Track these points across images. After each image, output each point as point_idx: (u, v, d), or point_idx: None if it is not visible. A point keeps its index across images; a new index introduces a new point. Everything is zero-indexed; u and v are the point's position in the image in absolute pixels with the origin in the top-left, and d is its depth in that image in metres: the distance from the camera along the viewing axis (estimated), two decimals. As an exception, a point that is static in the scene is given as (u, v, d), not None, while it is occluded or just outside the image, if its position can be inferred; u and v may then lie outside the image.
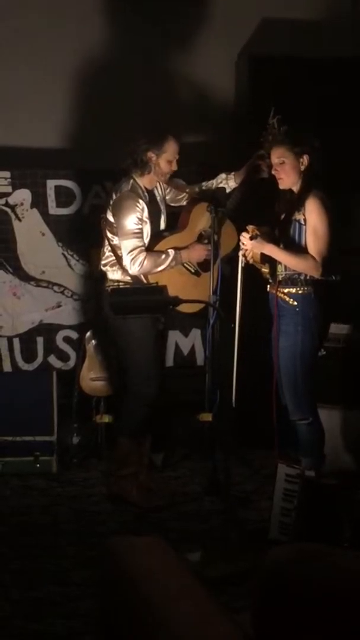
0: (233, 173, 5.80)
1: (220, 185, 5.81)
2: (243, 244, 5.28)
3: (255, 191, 5.75)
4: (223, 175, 5.83)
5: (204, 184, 5.90)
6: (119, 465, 5.66)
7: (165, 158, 5.54)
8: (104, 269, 5.64)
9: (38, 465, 6.20)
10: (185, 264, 5.70)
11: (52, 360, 6.61)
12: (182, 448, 6.48)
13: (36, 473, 6.16)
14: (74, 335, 6.61)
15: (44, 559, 4.73)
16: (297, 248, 5.20)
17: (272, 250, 5.21)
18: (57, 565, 4.66)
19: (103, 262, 5.64)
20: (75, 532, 5.14)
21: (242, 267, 5.39)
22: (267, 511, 4.99)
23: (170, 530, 5.11)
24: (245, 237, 5.26)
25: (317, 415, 5.36)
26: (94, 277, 6.17)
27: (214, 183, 5.85)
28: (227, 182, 5.80)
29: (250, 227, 5.25)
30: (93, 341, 6.44)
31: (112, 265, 5.60)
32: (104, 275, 5.65)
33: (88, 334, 6.46)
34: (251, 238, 5.21)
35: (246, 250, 5.30)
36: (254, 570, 3.36)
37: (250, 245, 5.24)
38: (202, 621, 2.03)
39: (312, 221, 5.15)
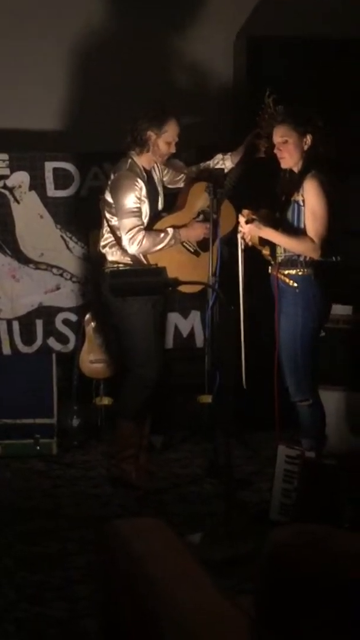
0: (229, 153, 5.78)
1: (218, 166, 5.79)
2: (240, 227, 5.27)
3: (253, 171, 5.74)
4: (220, 156, 5.81)
5: (201, 164, 5.88)
6: (119, 448, 5.66)
7: (165, 139, 5.51)
8: (102, 250, 5.62)
9: (38, 447, 6.20)
10: (184, 244, 5.68)
11: (52, 342, 6.61)
12: (182, 430, 6.48)
13: (36, 455, 6.16)
14: (73, 317, 6.61)
15: (45, 542, 4.74)
16: (296, 229, 5.19)
17: (269, 233, 5.19)
18: (58, 548, 4.66)
19: (102, 244, 5.62)
20: (76, 515, 5.14)
21: (242, 250, 5.38)
22: (267, 493, 5.00)
23: (170, 513, 5.12)
24: (241, 221, 5.25)
25: (318, 396, 5.35)
26: (93, 259, 6.16)
27: (210, 164, 5.83)
28: (224, 162, 5.78)
29: (245, 212, 5.23)
30: (92, 323, 6.44)
31: (111, 247, 5.58)
32: (102, 257, 5.63)
33: (87, 316, 6.46)
34: (247, 222, 5.20)
35: (244, 233, 5.29)
36: (255, 552, 3.36)
37: (247, 229, 5.23)
38: (204, 603, 2.03)
39: (310, 202, 5.13)
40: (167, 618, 2.02)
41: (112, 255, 5.57)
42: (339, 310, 5.93)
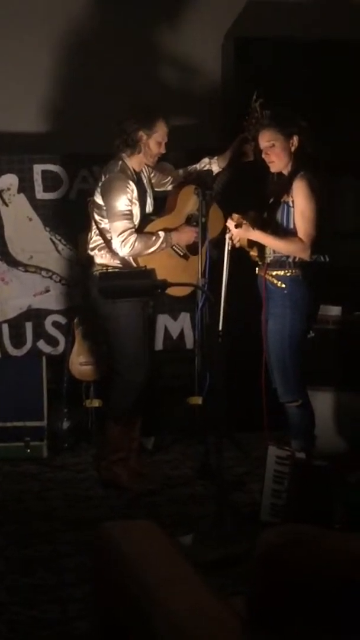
0: (216, 157, 5.79)
1: (205, 169, 5.80)
2: (229, 231, 5.28)
3: (242, 174, 5.75)
4: (206, 160, 5.82)
5: (189, 167, 5.89)
6: (109, 450, 5.65)
7: (155, 139, 5.51)
8: (91, 253, 5.61)
9: (29, 450, 6.20)
10: (173, 247, 5.68)
11: (42, 345, 6.61)
12: (173, 432, 6.48)
13: (27, 458, 6.16)
14: (62, 320, 6.61)
15: (37, 544, 4.73)
16: (285, 230, 5.20)
17: (258, 236, 5.21)
18: (50, 551, 4.66)
19: (91, 246, 5.61)
20: (68, 518, 5.14)
21: (228, 251, 5.39)
22: (258, 493, 5.00)
23: (162, 514, 5.12)
24: (230, 225, 5.26)
25: (307, 397, 5.36)
26: (82, 262, 6.16)
27: (197, 167, 5.84)
28: (211, 165, 5.79)
29: (235, 216, 5.24)
30: (82, 326, 6.44)
31: (100, 249, 5.57)
32: (91, 259, 5.63)
33: (77, 318, 6.46)
34: (236, 226, 5.21)
35: (233, 235, 5.30)
36: (246, 553, 3.36)
37: (237, 233, 5.24)
38: (196, 605, 2.04)
39: (300, 203, 5.15)
40: (159, 620, 2.02)
41: (101, 258, 5.56)
42: (327, 310, 5.94)
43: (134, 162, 5.56)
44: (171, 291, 5.41)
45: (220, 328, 5.20)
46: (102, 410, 6.30)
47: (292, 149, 5.21)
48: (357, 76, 6.69)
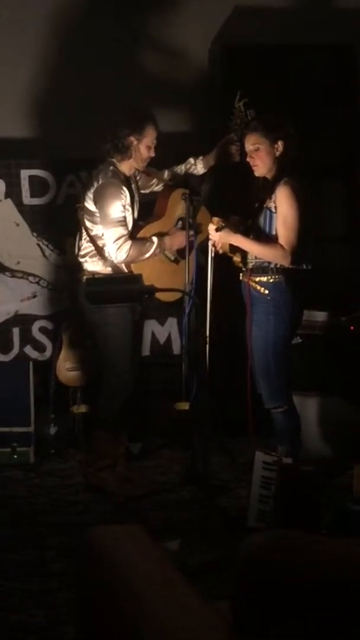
0: (201, 157, 5.79)
1: (190, 170, 5.80)
2: (210, 234, 5.29)
3: (229, 177, 5.75)
4: (191, 160, 5.82)
5: (174, 167, 5.88)
6: (96, 457, 5.65)
7: (145, 143, 5.52)
8: (81, 260, 5.59)
9: (15, 456, 6.19)
10: (165, 252, 5.68)
11: (29, 350, 6.60)
12: (160, 437, 6.48)
13: (14, 464, 6.15)
14: (49, 325, 6.61)
15: (23, 549, 4.72)
16: (267, 236, 5.21)
17: (239, 241, 5.22)
18: (37, 556, 4.65)
19: (81, 253, 5.59)
20: (55, 523, 5.13)
21: (212, 257, 5.40)
22: (245, 499, 5.01)
23: (149, 520, 5.11)
24: (211, 229, 5.27)
25: (292, 403, 5.37)
26: (69, 268, 6.15)
27: (182, 168, 5.84)
28: (196, 166, 5.80)
29: (215, 219, 5.26)
30: (69, 331, 6.43)
31: (91, 256, 5.55)
32: (80, 266, 5.62)
33: (64, 324, 6.45)
34: (217, 230, 5.22)
35: (215, 240, 5.31)
36: (232, 558, 3.37)
37: (217, 237, 5.26)
38: (182, 609, 2.04)
39: (282, 209, 5.15)
40: (145, 624, 2.02)
41: (92, 265, 5.55)
42: (312, 316, 5.95)
43: (124, 167, 5.56)
44: (160, 295, 5.42)
45: (207, 334, 5.21)
46: (89, 415, 6.30)
47: (277, 153, 5.23)
48: (342, 81, 6.71)
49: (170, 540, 4.64)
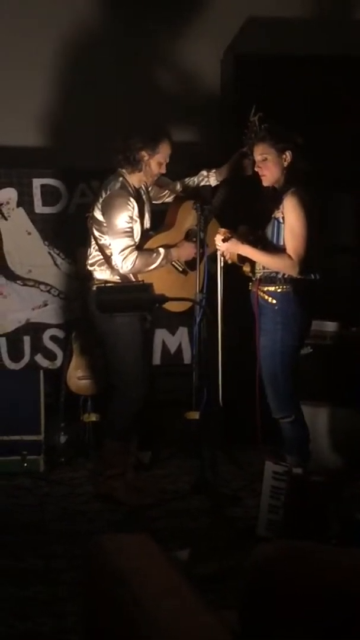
0: (214, 170, 5.80)
1: (202, 183, 5.81)
2: (218, 245, 5.29)
3: (241, 189, 5.76)
4: (204, 173, 5.83)
5: (185, 180, 5.89)
6: (106, 466, 5.64)
7: (157, 159, 5.53)
8: (90, 268, 5.61)
9: (25, 464, 6.19)
10: (173, 263, 5.69)
11: (39, 359, 6.61)
12: (170, 446, 6.48)
13: (23, 472, 6.15)
14: (60, 334, 6.61)
15: (32, 558, 4.72)
16: (275, 246, 5.22)
17: (246, 251, 5.23)
18: (45, 564, 4.65)
19: (90, 262, 5.61)
20: (64, 532, 5.13)
21: (221, 267, 5.41)
22: (255, 509, 5.00)
23: (158, 529, 5.11)
24: (218, 240, 5.27)
25: (300, 413, 5.36)
26: (80, 277, 6.16)
27: (195, 180, 5.85)
28: (208, 179, 5.80)
29: (222, 230, 5.27)
30: (80, 340, 6.44)
31: (100, 265, 5.57)
32: (90, 274, 5.63)
33: (74, 332, 6.46)
34: (224, 240, 5.22)
35: (223, 250, 5.32)
36: (242, 567, 3.37)
37: (224, 247, 5.26)
38: (190, 619, 2.03)
39: (289, 219, 5.16)
40: (152, 634, 2.02)
41: (101, 273, 5.56)
42: (321, 326, 5.95)
43: (134, 179, 5.57)
44: (170, 306, 5.43)
45: (219, 343, 5.22)
46: (99, 424, 6.30)
47: (285, 164, 5.24)
48: (355, 93, 6.71)
49: (179, 549, 4.64)
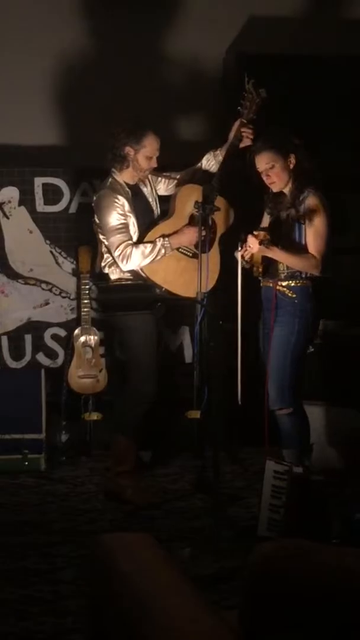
0: (219, 149, 5.74)
1: (208, 165, 5.73)
2: (249, 246, 5.22)
3: (238, 164, 5.67)
4: (210, 155, 5.74)
5: (194, 167, 5.83)
6: (116, 462, 5.64)
7: (144, 154, 5.50)
8: (104, 270, 5.58)
9: (27, 463, 6.19)
10: (180, 250, 5.64)
11: (41, 358, 6.61)
12: (171, 445, 6.47)
13: (25, 471, 6.15)
14: (62, 332, 6.62)
15: (33, 557, 4.72)
16: (297, 247, 5.22)
17: (276, 253, 5.21)
18: (47, 563, 4.65)
19: (102, 264, 5.60)
20: (65, 530, 5.12)
21: (241, 267, 5.36)
22: (256, 508, 4.99)
23: (159, 528, 5.11)
24: (253, 242, 5.18)
25: (300, 406, 5.36)
26: (95, 276, 6.15)
27: (202, 163, 5.79)
28: (215, 159, 5.73)
29: (262, 233, 5.19)
30: (81, 339, 6.45)
31: (110, 266, 5.56)
32: (105, 276, 5.60)
33: (76, 331, 6.47)
34: (260, 243, 5.17)
35: (245, 251, 5.26)
36: (243, 567, 3.37)
37: (257, 249, 5.19)
38: (190, 619, 2.03)
39: (313, 219, 5.19)
40: (153, 633, 2.02)
41: (113, 273, 5.55)
42: (328, 326, 5.95)
43: (125, 176, 5.56)
44: (180, 292, 5.41)
45: (239, 346, 5.23)
46: (101, 423, 6.31)
47: (291, 166, 5.25)
48: (356, 91, 6.71)
49: (181, 548, 4.64)
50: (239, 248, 5.28)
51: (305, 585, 1.84)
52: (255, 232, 5.19)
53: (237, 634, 1.92)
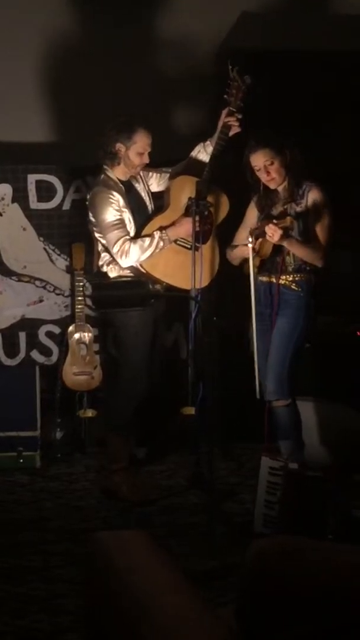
0: (209, 140, 5.71)
1: (199, 155, 5.68)
2: (269, 236, 5.16)
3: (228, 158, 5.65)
4: (200, 147, 5.68)
5: (186, 160, 5.81)
6: (110, 460, 5.63)
7: (135, 150, 5.49)
8: (103, 269, 5.56)
9: (21, 460, 6.19)
10: (178, 242, 5.62)
11: (35, 355, 6.61)
12: (166, 442, 6.47)
13: (20, 468, 6.15)
14: (56, 330, 6.61)
15: (29, 555, 4.71)
16: (305, 239, 5.24)
17: (291, 243, 5.19)
18: (42, 561, 4.65)
19: (100, 263, 5.58)
20: (60, 528, 5.12)
21: (252, 259, 5.31)
22: (251, 504, 5.00)
23: (154, 525, 5.11)
24: (276, 231, 5.10)
25: (294, 401, 5.37)
26: (92, 273, 6.14)
27: (193, 155, 5.75)
28: (205, 149, 5.70)
29: (288, 219, 5.14)
30: (75, 336, 6.44)
31: (108, 264, 5.54)
32: (104, 274, 5.58)
33: (70, 328, 6.47)
34: (285, 231, 5.10)
35: (260, 242, 5.22)
36: (238, 563, 3.36)
37: (279, 239, 5.12)
38: (186, 615, 2.03)
39: (318, 211, 5.22)
40: (149, 631, 2.02)
41: (112, 271, 5.53)
42: (321, 321, 5.95)
43: (118, 172, 5.54)
44: (178, 283, 5.40)
45: (255, 344, 5.23)
46: (95, 420, 6.30)
47: (287, 161, 5.25)
48: (353, 87, 6.71)
49: (176, 545, 4.64)
50: (250, 240, 5.22)
51: (301, 583, 1.83)
52: (275, 221, 5.14)
53: (232, 632, 1.92)
